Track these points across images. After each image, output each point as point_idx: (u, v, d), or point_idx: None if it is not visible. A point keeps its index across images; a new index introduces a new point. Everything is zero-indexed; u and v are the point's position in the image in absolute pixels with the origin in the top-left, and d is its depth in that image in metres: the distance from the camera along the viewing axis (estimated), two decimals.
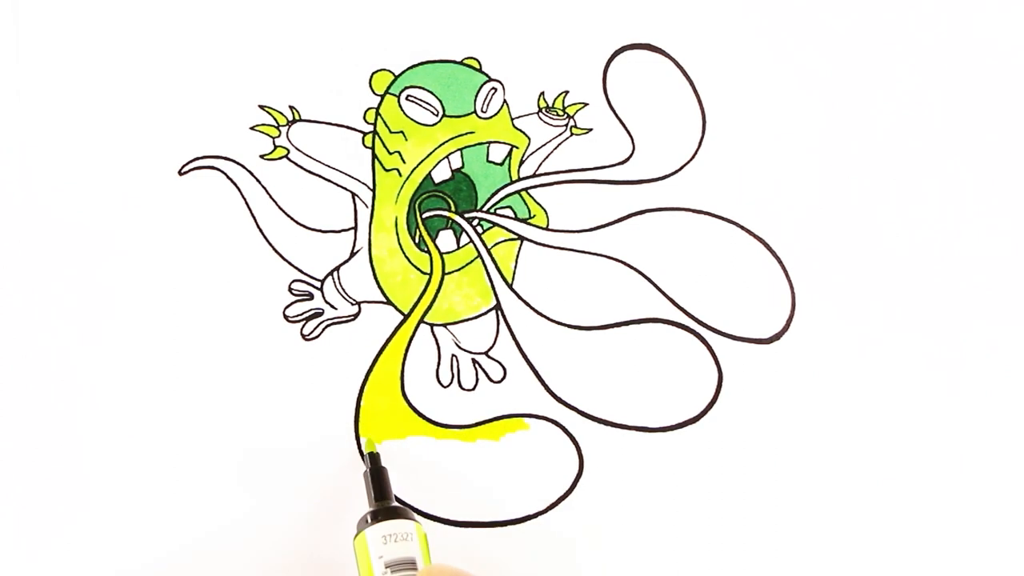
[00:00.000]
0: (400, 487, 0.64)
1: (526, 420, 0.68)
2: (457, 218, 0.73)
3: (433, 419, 0.67)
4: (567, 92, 0.75)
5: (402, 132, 0.74)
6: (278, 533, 0.64)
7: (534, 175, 0.74)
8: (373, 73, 0.75)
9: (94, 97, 0.73)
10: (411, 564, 0.55)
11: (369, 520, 0.58)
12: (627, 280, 0.71)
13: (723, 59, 0.76)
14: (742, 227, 0.72)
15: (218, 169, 0.72)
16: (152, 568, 0.63)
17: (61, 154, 0.72)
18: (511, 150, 0.74)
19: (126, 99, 0.73)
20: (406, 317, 0.70)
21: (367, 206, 0.72)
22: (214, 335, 0.68)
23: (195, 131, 0.73)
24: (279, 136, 0.73)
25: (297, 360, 0.68)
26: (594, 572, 0.64)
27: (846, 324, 0.70)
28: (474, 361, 0.69)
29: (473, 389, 0.68)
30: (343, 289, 0.70)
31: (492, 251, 0.72)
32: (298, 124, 0.73)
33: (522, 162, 0.74)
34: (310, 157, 0.73)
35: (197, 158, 0.72)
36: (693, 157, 0.74)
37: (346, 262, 0.71)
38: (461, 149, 0.74)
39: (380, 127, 0.74)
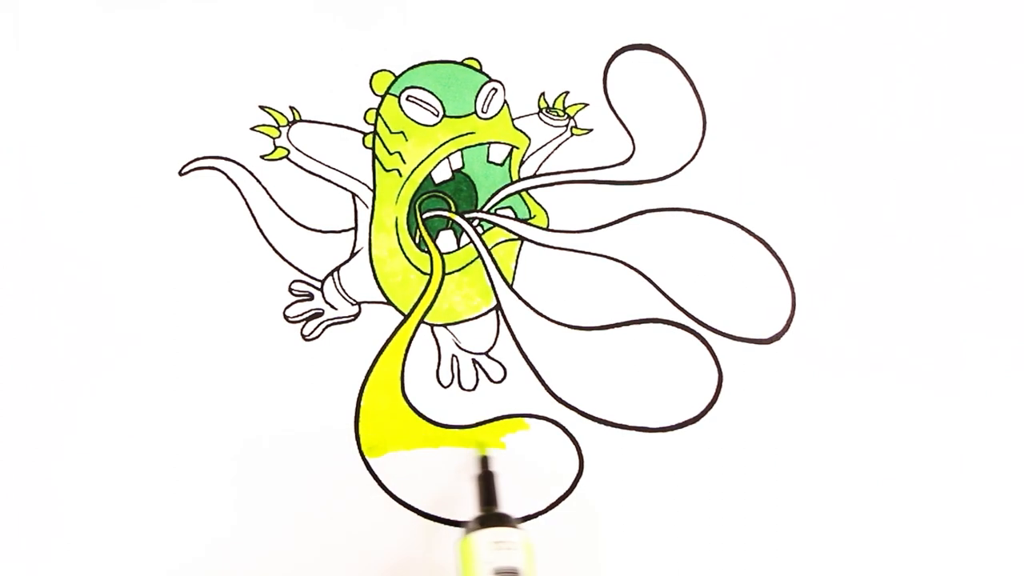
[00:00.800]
0: (401, 487, 0.65)
1: (526, 420, 0.68)
2: (457, 218, 0.73)
3: (433, 419, 0.67)
4: (567, 92, 0.75)
5: (402, 132, 0.74)
6: (277, 532, 0.64)
7: (534, 175, 0.74)
8: (373, 73, 0.75)
9: (95, 98, 0.73)
10: (515, 574, 0.56)
11: (477, 525, 0.58)
12: (627, 280, 0.71)
13: (723, 59, 0.76)
14: (742, 227, 0.72)
15: (219, 170, 0.72)
16: (151, 567, 0.63)
17: (62, 154, 0.72)
18: (511, 150, 0.74)
19: (127, 100, 0.73)
20: (406, 317, 0.70)
21: (367, 206, 0.72)
22: (214, 335, 0.68)
23: (196, 132, 0.73)
24: (279, 136, 0.73)
25: (297, 360, 0.68)
26: (594, 572, 0.64)
27: (846, 324, 0.70)
28: (474, 361, 0.69)
29: (473, 389, 0.68)
30: (343, 289, 0.70)
31: (492, 251, 0.72)
32: (298, 124, 0.74)
33: (522, 162, 0.74)
34: (310, 157, 0.73)
35: (198, 158, 0.72)
36: (693, 157, 0.74)
37: (346, 262, 0.71)
38: (461, 149, 0.74)
39: (380, 127, 0.74)
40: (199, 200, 0.71)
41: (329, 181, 0.72)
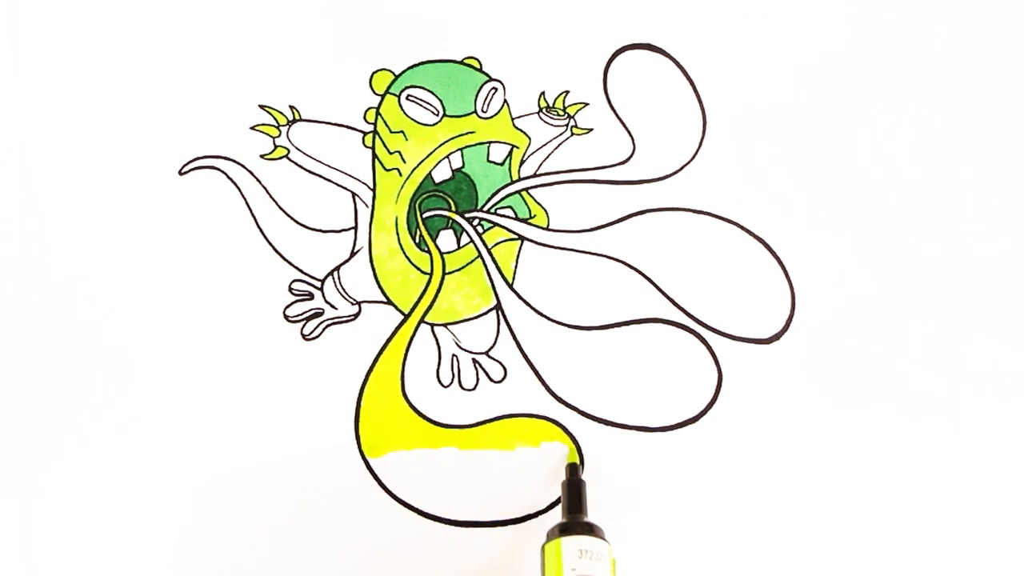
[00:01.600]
0: (400, 487, 0.65)
1: (525, 419, 0.68)
2: (457, 218, 0.73)
3: (433, 419, 0.67)
4: (567, 92, 0.75)
5: (402, 132, 0.74)
6: (277, 532, 0.64)
7: (534, 175, 0.74)
8: (373, 73, 0.75)
9: (95, 97, 0.73)
10: None
11: (566, 531, 0.58)
12: (627, 280, 0.71)
13: (723, 59, 0.76)
14: (742, 227, 0.72)
15: (218, 169, 0.72)
16: (149, 567, 0.63)
17: (62, 154, 0.72)
18: (511, 150, 0.74)
19: (126, 99, 0.73)
20: (406, 317, 0.70)
21: (367, 206, 0.72)
22: (214, 335, 0.68)
23: (195, 131, 0.73)
24: (279, 136, 0.73)
25: (297, 360, 0.68)
26: None
27: (846, 324, 0.70)
28: (474, 361, 0.69)
29: (473, 389, 0.68)
30: (343, 289, 0.70)
31: (492, 251, 0.72)
32: (298, 124, 0.73)
33: (522, 162, 0.74)
34: (310, 157, 0.73)
35: (197, 158, 0.72)
36: (693, 157, 0.74)
37: (346, 262, 0.71)
38: (461, 149, 0.74)
39: (380, 127, 0.74)
40: (199, 199, 0.71)
41: (329, 180, 0.72)
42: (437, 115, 0.74)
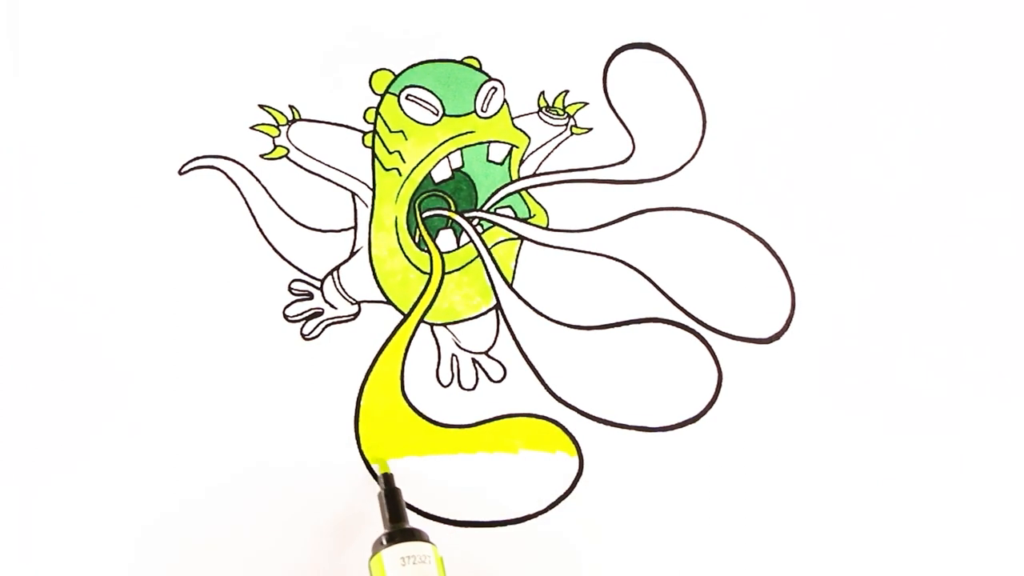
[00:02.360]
0: (401, 487, 0.65)
1: (525, 418, 0.68)
2: (457, 218, 0.73)
3: (433, 419, 0.67)
4: (567, 91, 0.75)
5: (402, 131, 0.74)
6: (276, 532, 0.64)
7: (534, 175, 0.74)
8: (373, 72, 0.75)
9: (94, 97, 0.73)
10: None
11: (385, 542, 0.57)
12: (627, 280, 0.71)
13: (723, 59, 0.76)
14: (742, 227, 0.72)
15: (218, 169, 0.72)
16: (147, 567, 0.63)
17: (61, 154, 0.72)
18: (511, 149, 0.74)
19: (126, 99, 0.73)
20: (406, 317, 0.70)
21: (367, 205, 0.72)
22: (214, 335, 0.68)
23: (195, 131, 0.73)
24: (279, 136, 0.73)
25: (297, 360, 0.68)
26: (594, 572, 0.64)
27: (846, 324, 0.70)
28: (474, 361, 0.69)
29: (473, 389, 0.68)
30: (343, 289, 0.70)
31: (492, 251, 0.72)
32: (298, 124, 0.73)
33: (522, 161, 0.74)
34: (310, 157, 0.73)
35: (197, 158, 0.72)
36: (693, 157, 0.74)
37: (346, 262, 0.71)
38: (461, 148, 0.74)
39: (380, 126, 0.74)
40: (199, 199, 0.71)
41: (329, 180, 0.72)
42: (437, 115, 0.74)
